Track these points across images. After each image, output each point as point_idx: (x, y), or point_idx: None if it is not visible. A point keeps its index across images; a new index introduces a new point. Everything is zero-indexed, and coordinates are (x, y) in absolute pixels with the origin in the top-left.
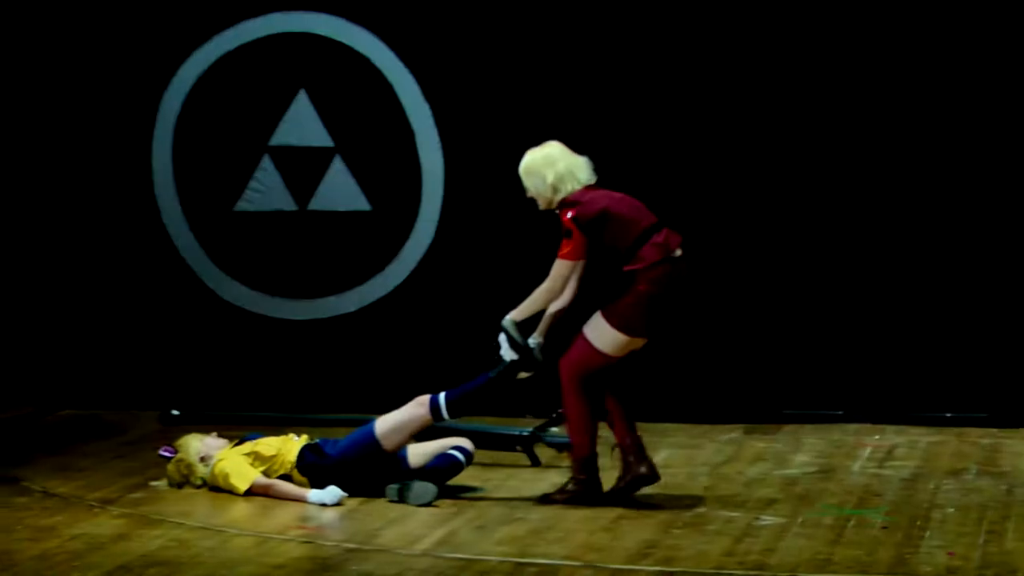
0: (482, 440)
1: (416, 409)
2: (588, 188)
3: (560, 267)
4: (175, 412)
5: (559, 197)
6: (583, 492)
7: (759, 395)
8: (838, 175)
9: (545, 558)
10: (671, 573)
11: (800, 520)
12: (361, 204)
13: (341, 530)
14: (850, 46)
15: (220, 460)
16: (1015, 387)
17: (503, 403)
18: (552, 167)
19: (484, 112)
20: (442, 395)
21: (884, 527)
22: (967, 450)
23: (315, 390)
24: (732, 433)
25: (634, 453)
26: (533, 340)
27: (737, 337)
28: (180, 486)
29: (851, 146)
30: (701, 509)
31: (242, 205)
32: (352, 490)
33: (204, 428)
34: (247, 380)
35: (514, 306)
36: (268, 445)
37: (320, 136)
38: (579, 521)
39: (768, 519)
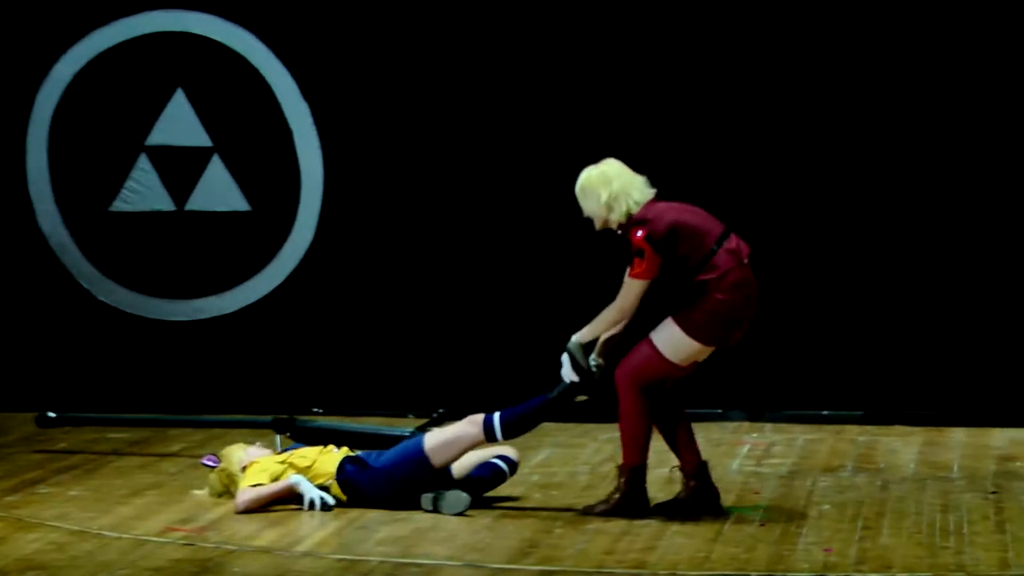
0: (363, 441)
1: (469, 428)
2: (651, 202)
3: (635, 287)
4: (51, 414)
5: (615, 216)
6: (626, 504)
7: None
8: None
9: (427, 558)
10: (552, 572)
11: (678, 518)
12: (240, 204)
13: (221, 531)
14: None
15: (251, 464)
16: (890, 385)
17: (386, 403)
18: (607, 186)
19: (363, 111)
20: (496, 415)
21: (762, 524)
22: (843, 448)
23: (195, 391)
24: (611, 432)
25: (695, 472)
26: (593, 360)
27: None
28: (221, 495)
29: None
30: (582, 508)
31: (119, 205)
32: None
33: (80, 430)
34: (126, 382)
35: (394, 306)
36: (303, 456)
37: (198, 136)
38: (461, 521)
39: (648, 518)
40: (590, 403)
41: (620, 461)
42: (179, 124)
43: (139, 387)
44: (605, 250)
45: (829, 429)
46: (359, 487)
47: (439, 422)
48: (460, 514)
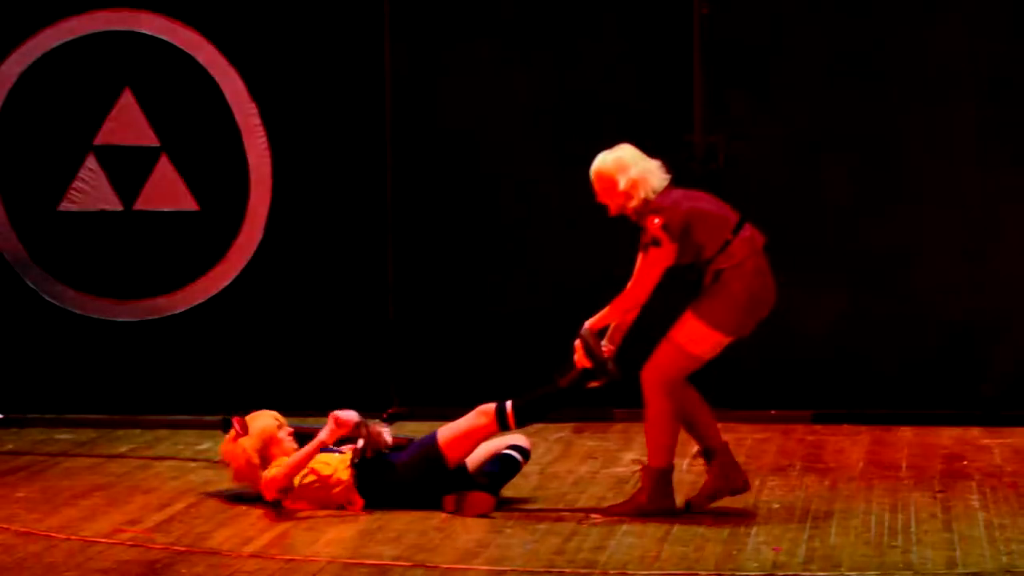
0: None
1: (479, 419)
2: (667, 189)
3: (650, 275)
4: None
5: (632, 204)
6: (652, 506)
7: (589, 394)
8: None
9: (375, 558)
10: (502, 572)
11: (630, 518)
12: (188, 204)
13: (169, 533)
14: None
15: (275, 461)
16: (838, 385)
17: (336, 402)
18: (624, 173)
19: (311, 111)
20: (508, 403)
21: (712, 524)
22: (792, 447)
23: (143, 392)
24: (562, 432)
25: (724, 460)
26: (602, 346)
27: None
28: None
29: None
30: (531, 508)
31: (66, 205)
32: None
33: (27, 431)
34: (73, 382)
35: (344, 305)
36: (326, 464)
37: (146, 135)
38: (410, 521)
39: (598, 518)
40: (601, 390)
41: (567, 460)
42: (127, 124)
43: (87, 388)
44: (558, 245)
45: (777, 429)
46: (376, 490)
47: (390, 423)
48: (484, 516)
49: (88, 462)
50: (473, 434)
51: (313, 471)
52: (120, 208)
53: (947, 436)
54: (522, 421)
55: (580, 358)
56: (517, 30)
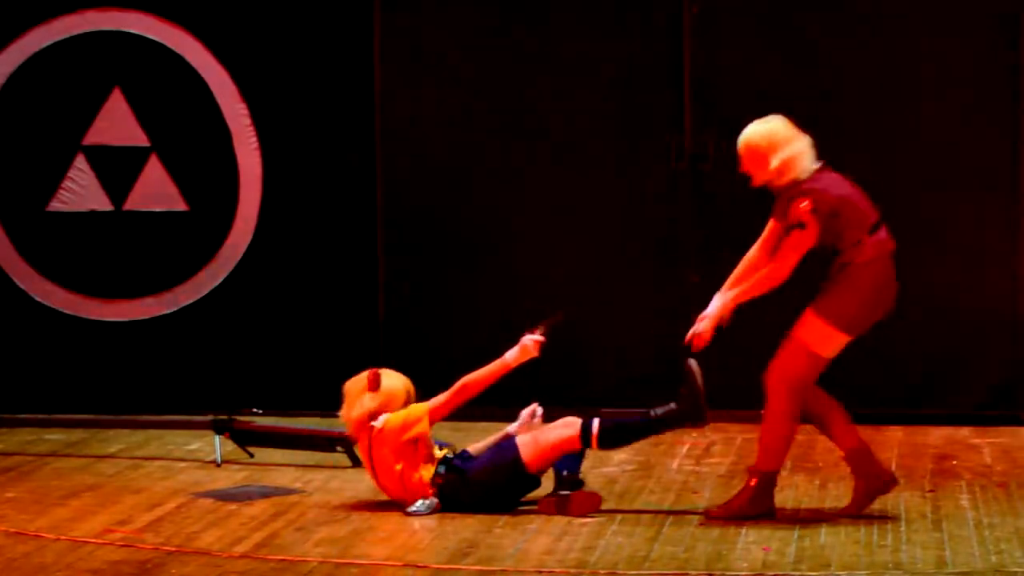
0: (301, 441)
1: (564, 431)
2: (819, 171)
3: (792, 257)
4: None
5: (783, 180)
6: (753, 508)
7: (578, 388)
8: None
9: (366, 559)
10: (492, 572)
11: (620, 518)
12: (178, 204)
13: (159, 533)
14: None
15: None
16: (827, 384)
17: (326, 402)
18: (777, 152)
19: (301, 111)
20: (595, 422)
21: (702, 524)
22: None
23: (133, 392)
24: None
25: (865, 459)
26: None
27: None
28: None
29: None
30: (521, 508)
31: (56, 205)
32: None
33: (16, 432)
34: (63, 383)
35: (333, 305)
36: (426, 452)
37: (135, 135)
38: (400, 521)
39: (588, 517)
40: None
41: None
42: (116, 124)
43: (77, 388)
44: (549, 247)
45: None
46: (456, 495)
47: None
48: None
49: (78, 462)
50: (557, 448)
51: (422, 443)
52: (110, 208)
53: (936, 436)
54: (606, 444)
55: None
56: (504, 29)
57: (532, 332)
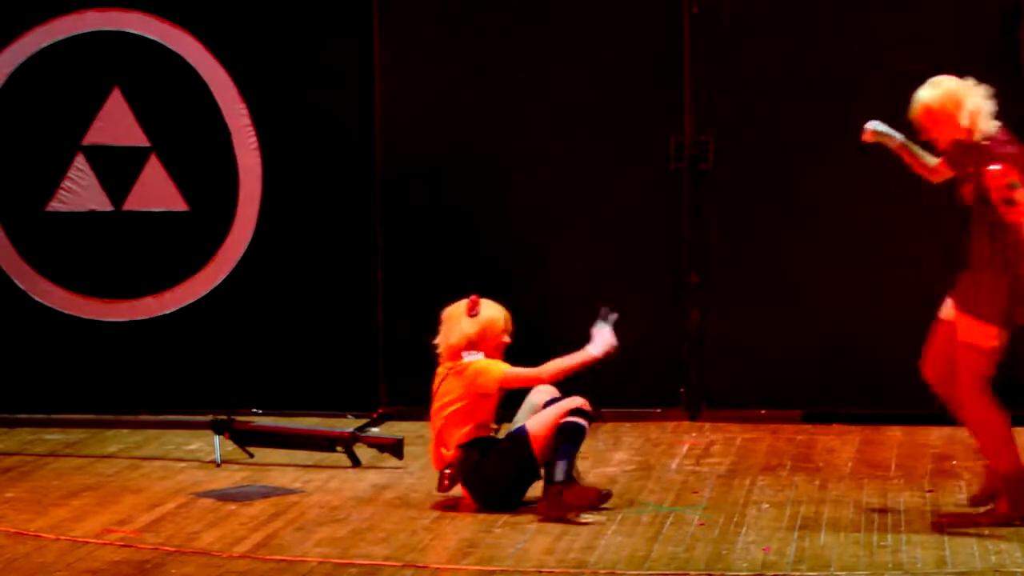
0: (301, 441)
1: (560, 407)
2: (1001, 132)
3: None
4: None
5: (974, 136)
6: (1018, 511)
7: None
8: None
9: (365, 559)
10: (492, 572)
11: (619, 518)
12: (178, 204)
13: (159, 533)
14: None
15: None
16: (828, 384)
17: (326, 402)
18: (962, 107)
19: (301, 111)
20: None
21: (701, 524)
22: (781, 447)
23: (133, 392)
24: None
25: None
26: None
27: (553, 335)
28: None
29: None
30: (521, 508)
31: (55, 205)
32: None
33: (16, 431)
34: (63, 382)
35: (333, 306)
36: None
37: (135, 135)
38: (400, 521)
39: (588, 517)
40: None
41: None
42: (116, 124)
43: (76, 388)
44: (548, 248)
45: (767, 428)
46: (470, 479)
47: (379, 422)
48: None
49: (77, 462)
50: (556, 423)
51: (488, 402)
52: (110, 208)
53: (937, 436)
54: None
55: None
56: (505, 28)
57: (602, 322)
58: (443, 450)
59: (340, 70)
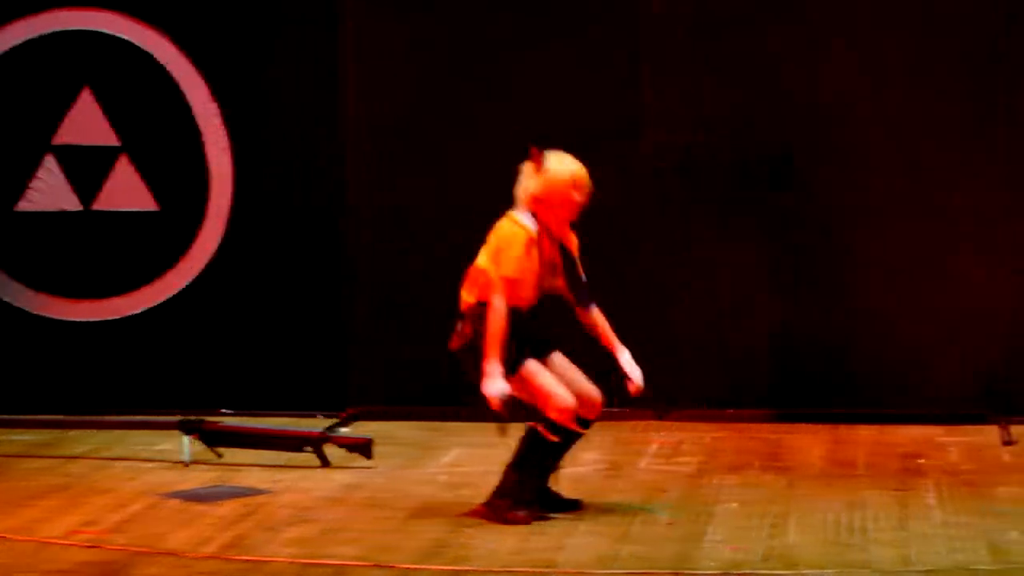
0: (271, 441)
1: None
2: None
3: None
4: None
5: None
6: None
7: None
8: None
9: (335, 559)
10: (462, 572)
11: (589, 517)
12: (148, 204)
13: (126, 533)
14: None
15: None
16: (797, 384)
17: (295, 403)
18: None
19: (273, 111)
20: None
21: (670, 523)
22: (750, 446)
23: (102, 392)
24: (522, 432)
25: None
26: None
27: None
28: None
29: None
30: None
31: (24, 205)
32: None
33: None
34: (31, 383)
35: (303, 306)
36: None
37: (105, 135)
38: (370, 521)
39: (557, 516)
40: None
41: None
42: (86, 123)
43: (45, 388)
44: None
45: (736, 428)
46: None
47: (348, 422)
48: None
49: (45, 463)
50: (540, 397)
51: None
52: (79, 208)
53: (905, 435)
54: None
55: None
56: (475, 29)
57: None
58: (464, 293)
59: (311, 70)
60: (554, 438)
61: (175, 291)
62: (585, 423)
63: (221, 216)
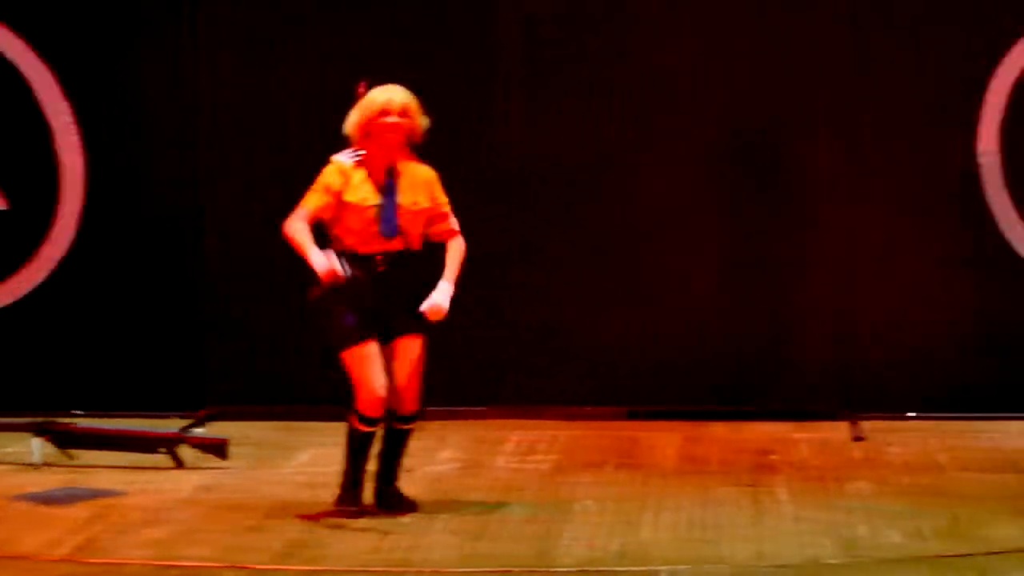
0: (124, 443)
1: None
2: None
3: None
4: None
5: None
6: None
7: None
8: None
9: (188, 560)
10: (317, 572)
11: (445, 516)
12: None
13: None
14: None
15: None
16: (652, 383)
17: (145, 403)
18: None
19: (126, 110)
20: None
21: (527, 521)
22: (606, 444)
23: None
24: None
25: None
26: None
27: None
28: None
29: None
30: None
31: None
32: None
33: None
34: None
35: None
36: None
37: None
38: (225, 522)
39: (414, 516)
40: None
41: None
42: None
43: None
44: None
45: (591, 426)
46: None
47: (203, 423)
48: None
49: None
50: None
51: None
52: None
53: (757, 431)
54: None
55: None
56: (322, 32)
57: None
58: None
59: (165, 70)
60: (363, 427)
61: (27, 291)
62: (405, 419)
63: (73, 215)
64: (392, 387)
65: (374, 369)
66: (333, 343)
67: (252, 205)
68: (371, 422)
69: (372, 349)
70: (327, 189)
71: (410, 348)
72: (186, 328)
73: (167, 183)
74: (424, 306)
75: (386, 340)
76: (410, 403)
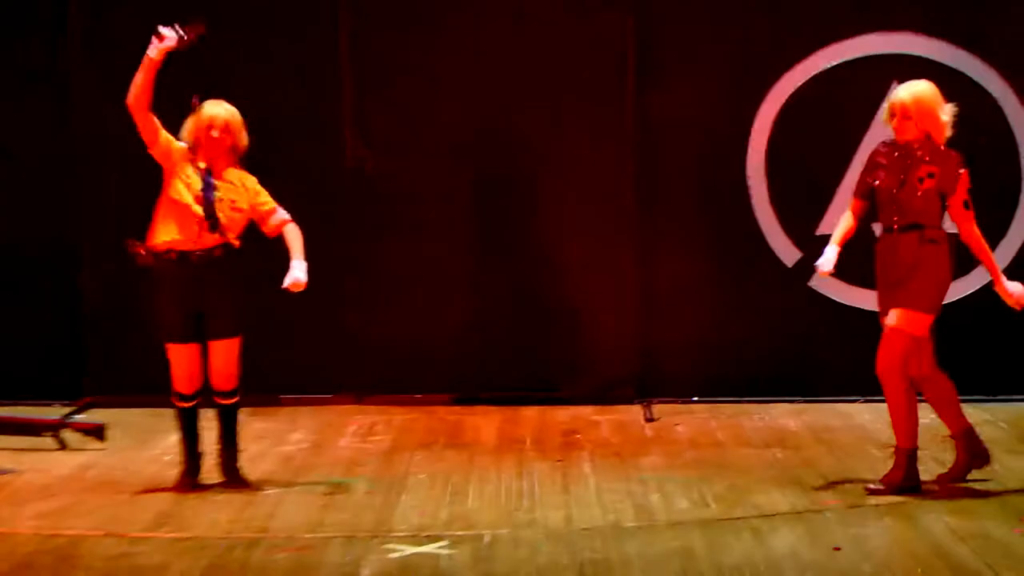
0: (11, 427)
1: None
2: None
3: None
4: None
5: (943, 138)
6: (908, 482)
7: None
8: None
9: (73, 529)
10: (185, 539)
11: (297, 490)
12: None
13: None
14: None
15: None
16: (475, 372)
17: (32, 392)
18: (943, 107)
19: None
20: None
21: (368, 493)
22: (435, 425)
23: None
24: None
25: (972, 439)
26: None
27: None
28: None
29: None
30: (211, 482)
31: None
32: None
33: None
34: None
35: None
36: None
37: None
38: (104, 496)
39: (269, 490)
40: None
41: (240, 440)
42: None
43: None
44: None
45: (423, 410)
46: None
47: (84, 410)
48: None
49: None
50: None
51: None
52: None
53: (564, 414)
54: None
55: None
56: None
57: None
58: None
59: (39, 64)
60: (180, 404)
61: None
62: (225, 394)
63: None
64: (210, 370)
65: (189, 359)
66: (158, 331)
67: (127, 195)
68: (186, 398)
69: (189, 347)
70: (173, 141)
71: (227, 345)
72: (67, 322)
73: (44, 175)
74: (286, 282)
75: (204, 337)
76: (228, 381)
